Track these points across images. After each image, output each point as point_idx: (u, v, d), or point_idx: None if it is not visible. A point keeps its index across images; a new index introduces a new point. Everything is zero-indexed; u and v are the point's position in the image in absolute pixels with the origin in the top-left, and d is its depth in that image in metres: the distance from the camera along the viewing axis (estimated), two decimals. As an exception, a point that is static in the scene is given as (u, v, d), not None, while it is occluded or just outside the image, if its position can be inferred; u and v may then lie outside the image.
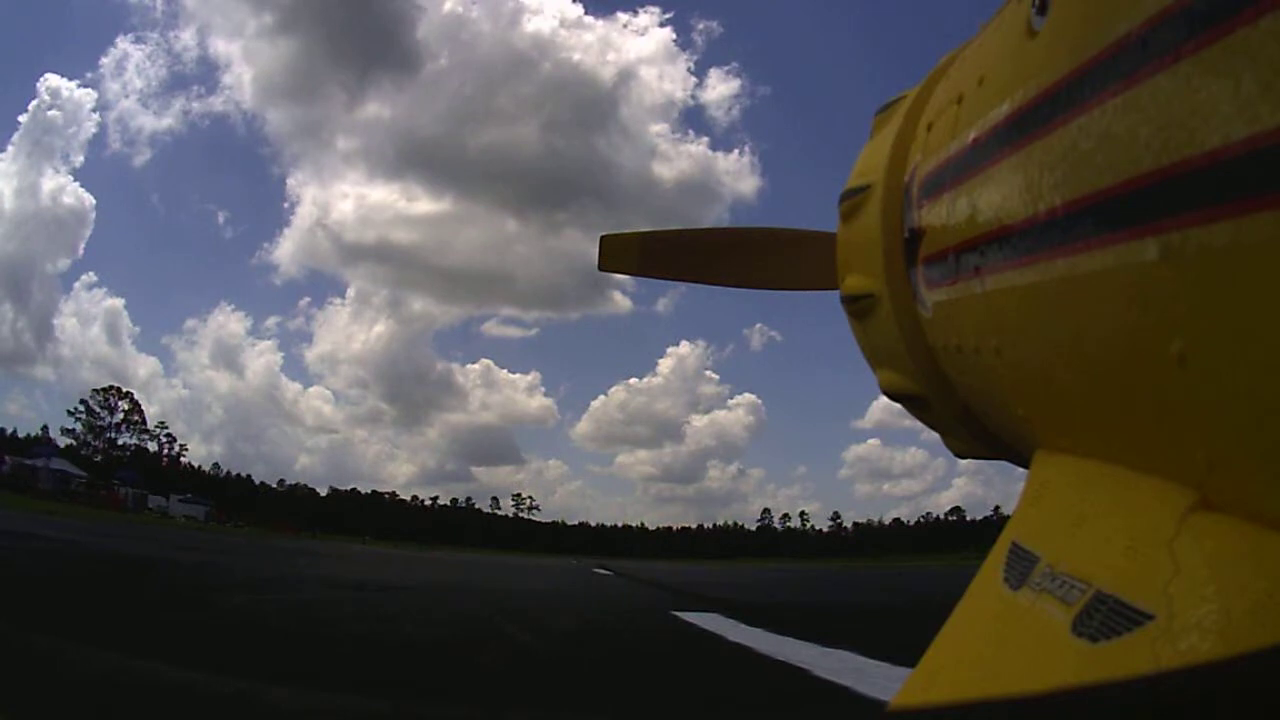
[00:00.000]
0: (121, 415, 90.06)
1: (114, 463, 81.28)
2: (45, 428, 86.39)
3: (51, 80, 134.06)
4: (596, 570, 25.91)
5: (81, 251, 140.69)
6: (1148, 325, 1.33)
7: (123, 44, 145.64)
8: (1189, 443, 1.31)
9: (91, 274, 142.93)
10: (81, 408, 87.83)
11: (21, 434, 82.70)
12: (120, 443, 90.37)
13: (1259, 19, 1.04)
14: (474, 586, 15.72)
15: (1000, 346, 2.06)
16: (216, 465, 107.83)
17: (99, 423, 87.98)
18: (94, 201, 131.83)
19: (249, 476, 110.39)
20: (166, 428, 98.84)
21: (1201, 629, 1.10)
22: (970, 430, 2.96)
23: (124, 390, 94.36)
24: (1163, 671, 1.08)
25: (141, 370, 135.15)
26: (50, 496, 46.00)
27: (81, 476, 63.50)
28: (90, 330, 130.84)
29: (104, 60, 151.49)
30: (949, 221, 2.26)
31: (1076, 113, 1.47)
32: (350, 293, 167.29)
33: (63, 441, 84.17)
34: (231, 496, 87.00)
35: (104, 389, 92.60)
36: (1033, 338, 1.86)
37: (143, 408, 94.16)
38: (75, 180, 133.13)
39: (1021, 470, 2.21)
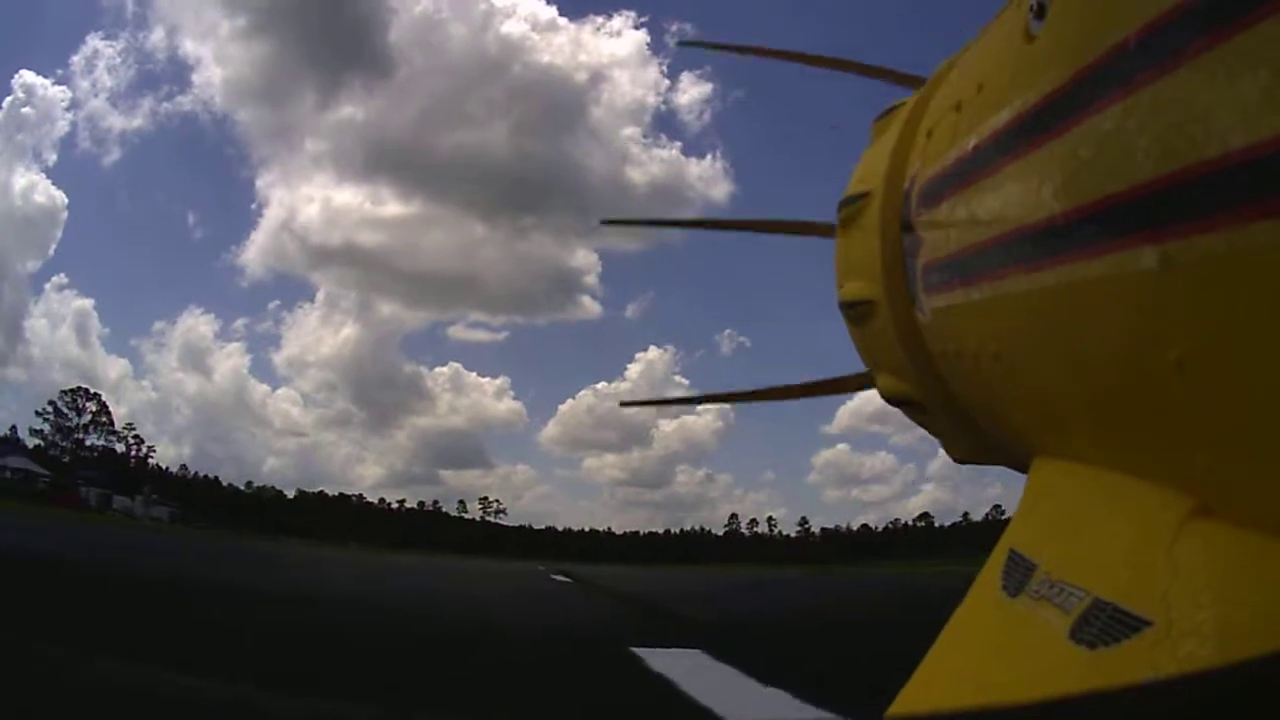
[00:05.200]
0: (89, 416, 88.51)
1: (78, 462, 79.77)
2: (14, 428, 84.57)
3: (26, 77, 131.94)
4: (555, 577, 24.47)
5: (52, 252, 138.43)
6: (1147, 332, 1.33)
7: (93, 41, 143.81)
8: (1188, 449, 1.32)
9: (62, 275, 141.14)
10: (50, 409, 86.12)
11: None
12: (88, 443, 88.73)
13: (1257, 24, 1.04)
14: (383, 601, 11.32)
15: (999, 353, 2.06)
16: (184, 467, 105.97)
17: (67, 424, 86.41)
18: (66, 200, 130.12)
19: (216, 478, 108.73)
20: (134, 429, 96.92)
21: (1200, 635, 1.11)
22: (969, 436, 2.99)
23: (91, 392, 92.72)
24: (1161, 679, 1.08)
25: (112, 372, 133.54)
26: (10, 494, 45.27)
27: (46, 476, 62.43)
28: (60, 332, 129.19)
29: (74, 58, 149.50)
30: (948, 228, 2.29)
31: (1075, 119, 1.47)
32: (319, 296, 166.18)
33: (31, 442, 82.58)
34: (198, 498, 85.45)
35: (72, 390, 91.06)
36: (1031, 344, 1.87)
37: (110, 409, 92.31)
38: (48, 178, 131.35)
39: (1017, 474, 2.23)
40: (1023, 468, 2.17)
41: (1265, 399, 1.11)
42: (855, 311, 3.26)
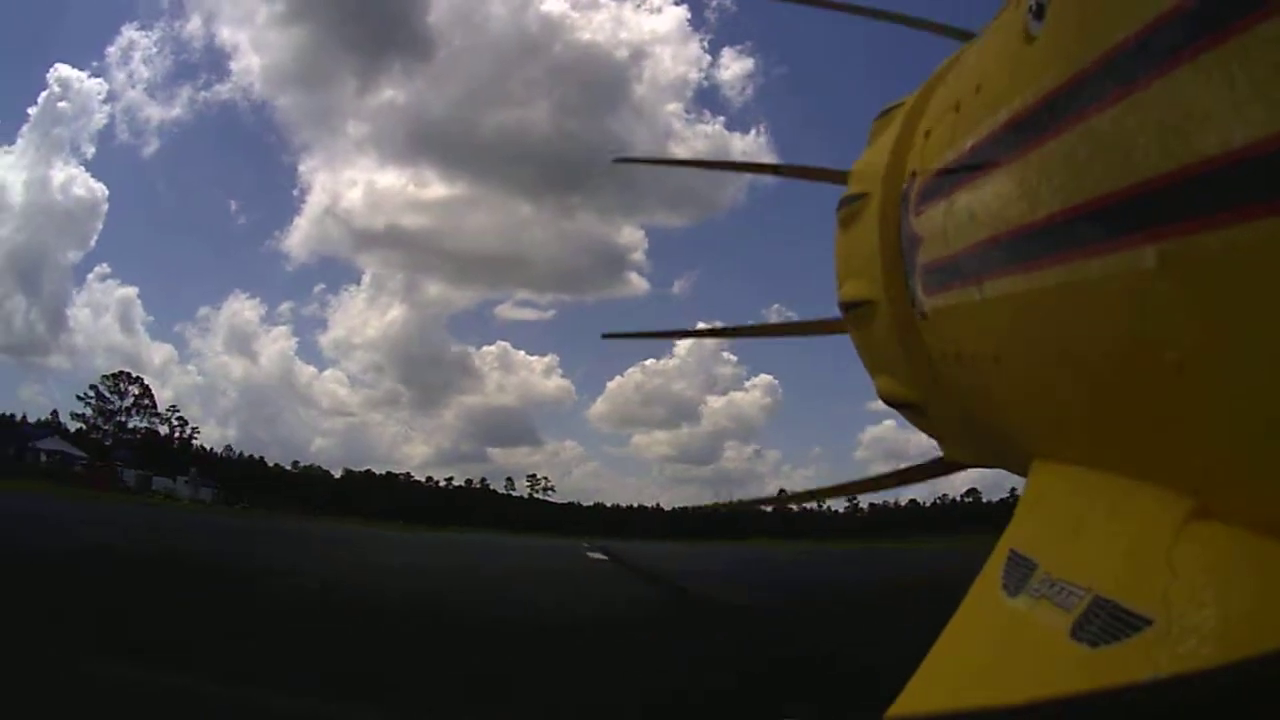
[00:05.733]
0: (132, 399, 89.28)
1: (119, 444, 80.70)
2: (55, 412, 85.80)
3: (62, 71, 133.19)
4: (594, 555, 23.80)
5: (94, 243, 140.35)
6: (1146, 334, 1.35)
7: (129, 32, 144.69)
8: (1187, 450, 1.35)
9: (105, 265, 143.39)
10: (91, 393, 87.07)
11: (32, 419, 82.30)
12: (131, 426, 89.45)
13: (1254, 25, 1.05)
14: (401, 585, 10.40)
15: (998, 354, 2.11)
16: (229, 448, 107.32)
17: (109, 407, 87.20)
18: (106, 192, 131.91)
19: (261, 459, 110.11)
20: (178, 411, 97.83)
21: (1200, 634, 1.12)
22: (968, 438, 2.99)
23: (134, 375, 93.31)
24: (1162, 678, 1.09)
25: (156, 358, 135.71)
26: (47, 476, 45.36)
27: (82, 458, 62.97)
28: (104, 320, 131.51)
29: (110, 50, 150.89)
30: (947, 228, 2.28)
31: (1074, 119, 1.48)
32: (365, 278, 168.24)
33: (73, 426, 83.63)
34: (239, 478, 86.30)
35: (114, 374, 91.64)
36: (1030, 345, 1.90)
37: (153, 392, 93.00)
38: (87, 171, 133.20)
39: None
40: (1021, 470, 2.18)
41: (1263, 400, 1.12)
42: (854, 312, 3.25)
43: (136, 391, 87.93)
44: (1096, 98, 1.39)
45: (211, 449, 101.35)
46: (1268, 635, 1.05)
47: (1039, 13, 1.75)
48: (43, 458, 55.94)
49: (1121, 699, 1.05)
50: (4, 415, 79.29)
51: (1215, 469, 1.29)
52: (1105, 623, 1.27)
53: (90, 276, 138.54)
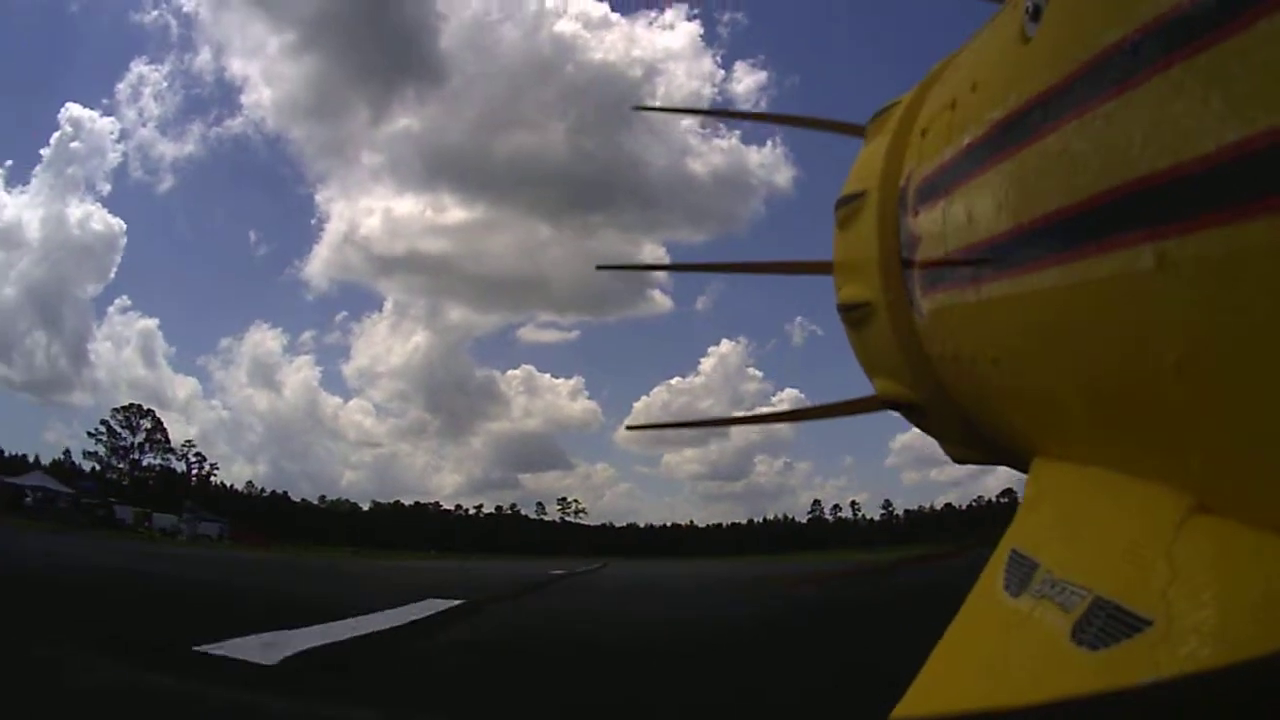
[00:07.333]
0: (144, 434, 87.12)
1: (138, 483, 78.64)
2: (67, 450, 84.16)
3: (73, 110, 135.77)
4: (553, 571, 22.05)
5: (113, 275, 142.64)
6: (1145, 333, 1.34)
7: (138, 67, 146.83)
8: (1186, 449, 1.33)
9: (125, 297, 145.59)
10: (102, 428, 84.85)
11: (45, 459, 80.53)
12: (144, 463, 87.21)
13: (1249, 26, 1.06)
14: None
15: (997, 354, 2.07)
16: (250, 483, 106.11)
17: (121, 443, 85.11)
18: (124, 226, 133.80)
19: (285, 493, 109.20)
20: (194, 446, 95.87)
21: (1200, 634, 1.10)
22: (968, 437, 2.98)
23: (145, 408, 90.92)
24: (1163, 679, 1.08)
25: (180, 392, 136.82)
26: (33, 516, 43.75)
27: (69, 493, 60.85)
28: (125, 353, 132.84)
29: (119, 86, 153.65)
30: (944, 228, 2.27)
31: (1070, 118, 1.48)
32: (387, 305, 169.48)
33: (86, 465, 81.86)
34: (261, 514, 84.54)
35: (124, 407, 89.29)
36: (1029, 345, 1.88)
37: (165, 426, 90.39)
38: (104, 207, 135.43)
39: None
40: (1022, 467, 2.20)
41: (1264, 399, 1.12)
42: (852, 314, 3.21)
43: (149, 426, 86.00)
44: (1094, 96, 1.38)
45: (231, 485, 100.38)
46: (1270, 635, 1.04)
47: (1036, 14, 1.75)
48: (27, 498, 54.32)
49: (1123, 701, 1.01)
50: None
51: (1215, 467, 1.27)
52: (1105, 623, 1.25)
53: (110, 309, 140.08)
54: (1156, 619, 1.16)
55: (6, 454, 77.88)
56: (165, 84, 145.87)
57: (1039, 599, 1.48)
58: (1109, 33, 1.34)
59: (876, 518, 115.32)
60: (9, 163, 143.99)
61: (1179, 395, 1.27)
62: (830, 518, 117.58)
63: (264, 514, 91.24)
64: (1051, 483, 1.90)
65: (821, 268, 3.86)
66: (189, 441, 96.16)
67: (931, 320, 2.50)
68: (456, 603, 8.56)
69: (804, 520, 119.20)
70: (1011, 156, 1.72)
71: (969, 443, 2.98)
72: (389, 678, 4.17)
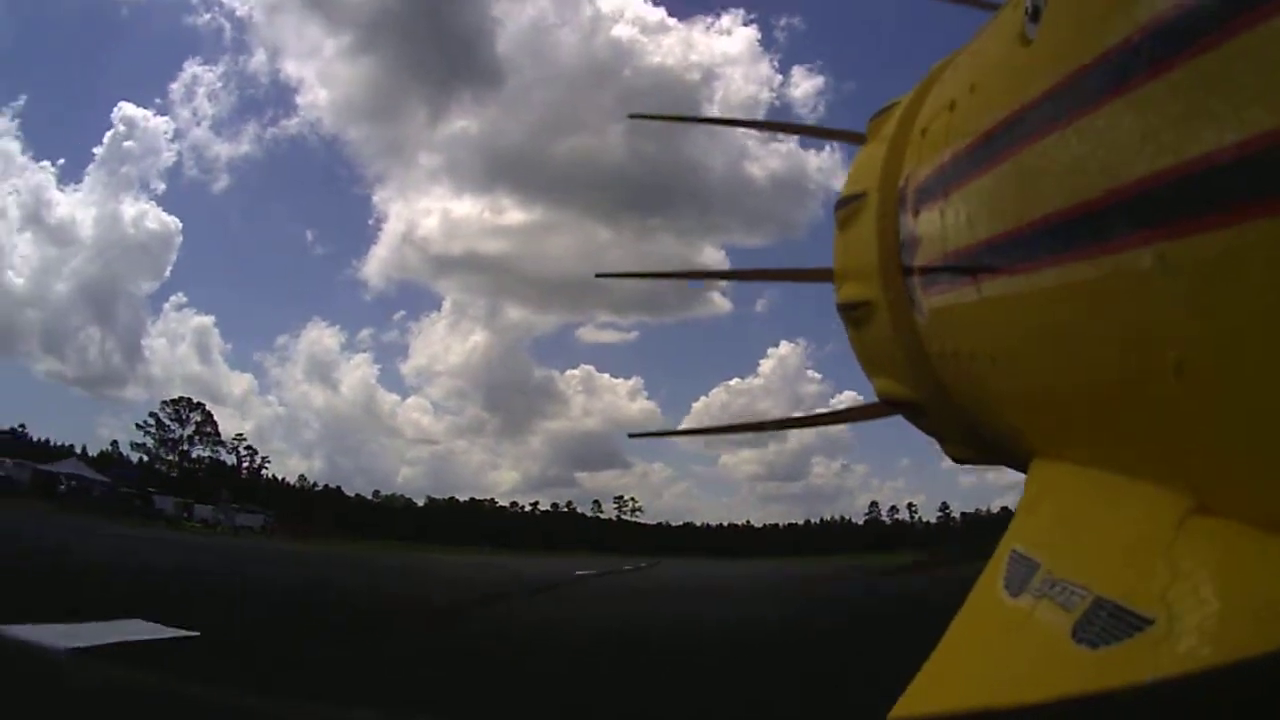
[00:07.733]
0: (194, 427, 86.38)
1: (187, 475, 77.99)
2: (115, 442, 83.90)
3: (126, 110, 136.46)
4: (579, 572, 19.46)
5: (169, 273, 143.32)
6: (1144, 333, 1.34)
7: (191, 68, 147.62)
8: (1186, 449, 1.33)
9: (180, 294, 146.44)
10: (150, 421, 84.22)
11: (94, 452, 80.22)
12: (194, 455, 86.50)
13: (1246, 29, 1.06)
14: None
15: (996, 354, 2.09)
16: (302, 478, 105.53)
17: (170, 436, 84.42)
18: (179, 224, 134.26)
19: (339, 488, 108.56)
20: (244, 440, 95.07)
21: (1201, 633, 1.10)
22: (967, 436, 3.03)
23: (195, 402, 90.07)
24: (1163, 678, 1.06)
25: (236, 388, 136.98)
26: (64, 504, 42.60)
27: (103, 481, 59.76)
28: (180, 349, 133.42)
29: (173, 86, 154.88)
30: (944, 228, 2.27)
31: (1070, 119, 1.48)
32: (446, 304, 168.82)
33: (134, 456, 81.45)
34: (312, 508, 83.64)
35: (173, 400, 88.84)
36: (1029, 345, 1.88)
37: (215, 419, 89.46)
38: (159, 206, 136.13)
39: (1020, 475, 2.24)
40: (1022, 467, 2.18)
41: (1262, 399, 1.12)
42: (853, 313, 3.22)
43: (198, 419, 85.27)
44: (1093, 98, 1.38)
45: (284, 479, 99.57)
46: (1269, 634, 1.04)
47: (1035, 15, 1.76)
48: (60, 485, 53.18)
49: (1123, 700, 0.99)
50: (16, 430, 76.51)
51: (1214, 467, 1.27)
52: (1106, 623, 1.25)
53: (166, 305, 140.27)
54: (1157, 618, 1.16)
55: (53, 445, 77.38)
56: (220, 84, 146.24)
57: (1039, 598, 1.49)
58: (1109, 35, 1.35)
59: (933, 520, 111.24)
60: (61, 161, 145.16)
61: (1178, 396, 1.28)
62: (887, 519, 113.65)
63: (316, 508, 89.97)
64: (1051, 483, 1.91)
65: (827, 275, 3.88)
66: (239, 435, 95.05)
67: (931, 319, 2.53)
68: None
69: (860, 522, 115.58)
70: (1011, 157, 1.73)
71: (969, 442, 3.04)
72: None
